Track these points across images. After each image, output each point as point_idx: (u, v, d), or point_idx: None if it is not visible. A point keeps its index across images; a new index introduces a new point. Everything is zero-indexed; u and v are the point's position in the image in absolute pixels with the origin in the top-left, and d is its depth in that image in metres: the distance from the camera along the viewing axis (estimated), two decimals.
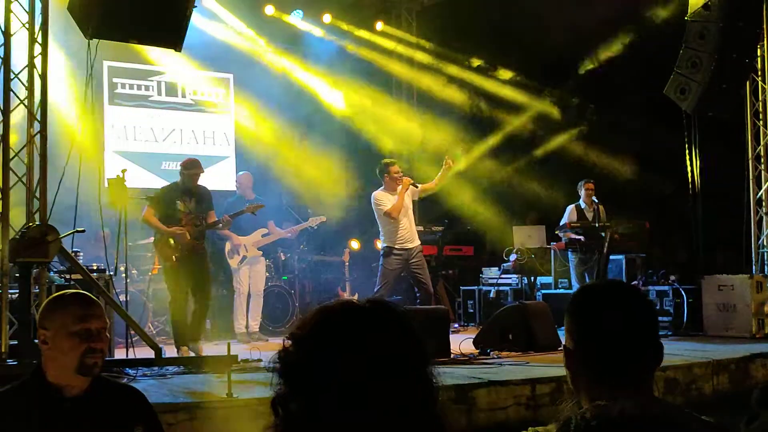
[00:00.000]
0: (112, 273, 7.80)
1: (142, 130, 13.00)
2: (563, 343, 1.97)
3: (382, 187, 9.60)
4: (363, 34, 14.56)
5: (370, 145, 13.93)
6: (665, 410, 1.06)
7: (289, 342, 1.37)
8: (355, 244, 13.12)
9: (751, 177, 10.96)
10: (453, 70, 14.63)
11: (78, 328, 2.67)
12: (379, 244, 9.90)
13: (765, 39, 10.69)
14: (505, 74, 14.42)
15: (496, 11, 12.77)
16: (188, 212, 8.58)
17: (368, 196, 9.85)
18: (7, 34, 6.77)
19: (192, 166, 8.76)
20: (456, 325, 11.95)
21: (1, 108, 6.67)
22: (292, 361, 1.35)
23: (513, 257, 12.25)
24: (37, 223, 6.51)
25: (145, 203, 8.62)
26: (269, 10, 13.60)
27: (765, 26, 10.63)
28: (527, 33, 12.37)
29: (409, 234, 9.58)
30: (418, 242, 9.70)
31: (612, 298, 1.92)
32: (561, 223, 11.33)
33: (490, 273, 13.03)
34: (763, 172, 10.91)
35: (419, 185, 9.77)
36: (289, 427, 1.33)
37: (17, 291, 6.45)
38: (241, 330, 10.32)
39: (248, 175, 10.91)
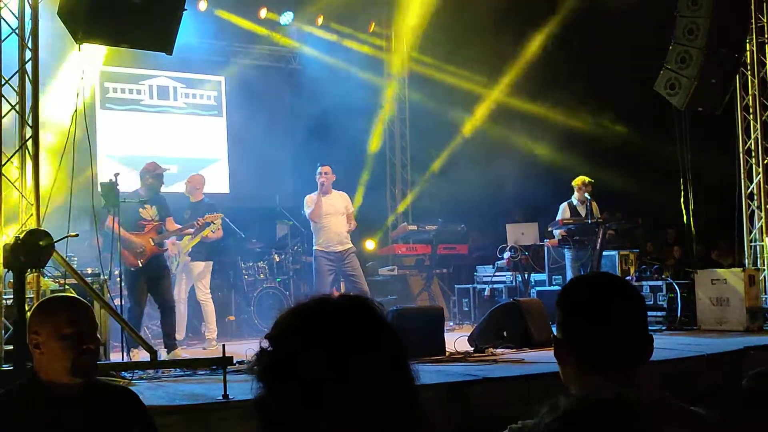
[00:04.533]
0: (106, 277, 7.80)
1: (134, 134, 12.99)
2: (554, 334, 1.99)
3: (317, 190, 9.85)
4: (356, 34, 14.57)
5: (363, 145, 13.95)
6: (646, 399, 1.06)
7: (266, 343, 1.37)
8: None
9: (742, 171, 11.02)
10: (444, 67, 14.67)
11: (69, 331, 2.69)
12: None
13: (753, 33, 10.75)
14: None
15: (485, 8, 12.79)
16: (150, 219, 8.66)
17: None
18: None
19: (158, 168, 8.83)
20: (451, 324, 11.98)
21: None
22: (269, 362, 1.35)
23: (507, 255, 12.28)
24: (30, 228, 6.51)
25: (138, 206, 8.65)
26: (262, 12, 13.60)
27: (753, 20, 10.69)
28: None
29: (337, 237, 9.77)
30: (350, 245, 9.89)
31: (599, 289, 1.93)
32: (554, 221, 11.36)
33: (485, 271, 13.06)
34: (753, 165, 10.96)
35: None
36: (271, 429, 1.33)
37: (12, 297, 6.45)
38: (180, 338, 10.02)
39: (200, 177, 10.66)
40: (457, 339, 8.53)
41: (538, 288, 11.95)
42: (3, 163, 6.69)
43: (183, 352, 8.68)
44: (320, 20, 14.12)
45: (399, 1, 14.25)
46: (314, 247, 9.93)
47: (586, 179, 11.51)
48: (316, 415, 1.28)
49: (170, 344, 8.48)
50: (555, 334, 1.97)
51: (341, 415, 1.28)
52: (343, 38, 14.40)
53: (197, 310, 10.30)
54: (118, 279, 8.45)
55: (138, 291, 8.50)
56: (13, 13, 6.85)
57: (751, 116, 10.95)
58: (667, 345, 8.07)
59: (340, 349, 1.30)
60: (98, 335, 2.80)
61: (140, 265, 8.47)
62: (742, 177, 11.01)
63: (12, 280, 6.43)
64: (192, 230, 9.33)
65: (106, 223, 8.46)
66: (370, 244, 13.35)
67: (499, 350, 8.36)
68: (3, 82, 6.77)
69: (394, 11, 15.03)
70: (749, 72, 10.92)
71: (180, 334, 9.62)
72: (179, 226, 9.20)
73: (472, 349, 8.39)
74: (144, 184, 8.82)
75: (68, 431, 2.70)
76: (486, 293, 12.59)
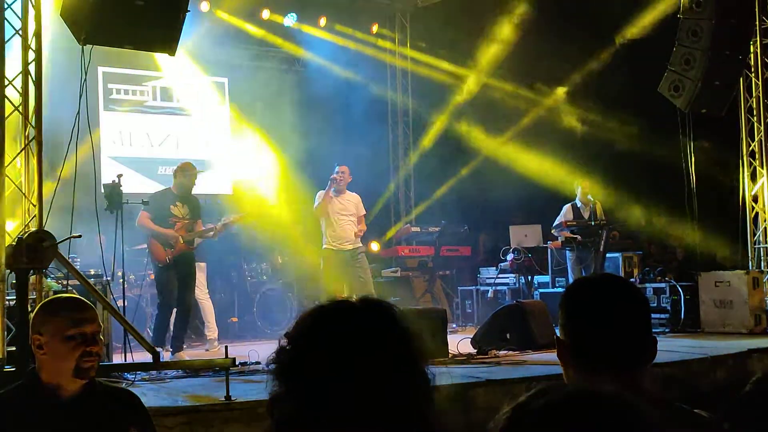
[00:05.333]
0: (109, 278, 7.79)
1: (137, 136, 13.00)
2: (557, 335, 1.97)
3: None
4: (359, 36, 14.56)
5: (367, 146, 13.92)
6: (640, 398, 1.05)
7: (284, 341, 1.38)
8: None
9: (745, 173, 10.99)
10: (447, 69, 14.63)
11: (73, 332, 2.68)
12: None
13: (757, 35, 10.72)
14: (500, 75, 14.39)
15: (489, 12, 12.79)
16: (182, 217, 8.63)
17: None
18: (0, 41, 6.77)
19: (191, 168, 8.79)
20: (454, 325, 11.96)
21: None
22: (287, 361, 1.35)
23: (510, 257, 12.26)
24: (33, 229, 6.51)
25: (140, 208, 8.65)
26: (265, 14, 13.60)
27: (757, 22, 10.66)
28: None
29: (347, 236, 9.81)
30: (360, 244, 9.95)
31: (602, 290, 1.92)
32: (557, 222, 11.34)
33: (488, 273, 13.04)
34: (757, 168, 10.94)
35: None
36: (285, 427, 1.33)
37: (14, 297, 6.45)
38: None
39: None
40: (460, 341, 8.52)
41: (541, 290, 11.93)
42: (6, 164, 6.69)
43: (185, 354, 8.68)
44: (323, 21, 14.10)
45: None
46: (324, 246, 9.94)
47: (588, 180, 11.49)
48: (322, 414, 1.28)
49: (177, 346, 8.46)
50: (558, 335, 1.96)
51: (353, 415, 1.28)
52: (347, 39, 14.38)
53: (198, 310, 10.33)
54: (121, 280, 8.45)
55: (169, 289, 8.43)
56: (16, 14, 6.85)
57: (755, 118, 10.92)
58: (670, 347, 8.06)
59: (355, 351, 1.30)
60: (101, 337, 2.79)
61: (168, 261, 8.43)
62: (746, 179, 10.99)
63: (15, 281, 6.44)
64: (212, 233, 9.27)
65: (138, 219, 8.47)
66: (374, 246, 13.34)
67: (502, 352, 8.35)
68: (6, 83, 6.77)
69: (397, 14, 15.07)
70: (753, 74, 10.90)
71: None
72: (204, 228, 9.12)
73: (475, 351, 8.38)
74: (176, 181, 8.79)
75: (67, 431, 2.70)
76: (489, 295, 12.57)
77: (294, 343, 1.36)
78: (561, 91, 14.11)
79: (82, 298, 2.90)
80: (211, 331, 10.01)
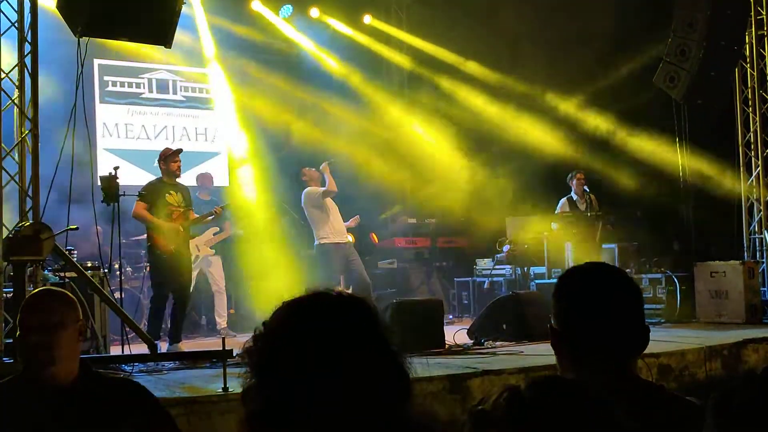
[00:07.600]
0: (106, 270, 7.79)
1: (133, 128, 12.99)
2: (551, 323, 1.98)
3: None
4: (351, 27, 14.49)
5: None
6: (626, 385, 1.07)
7: (258, 334, 1.36)
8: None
9: (741, 163, 11.02)
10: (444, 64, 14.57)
11: (31, 323, 2.75)
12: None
13: (753, 26, 10.74)
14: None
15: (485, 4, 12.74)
16: (177, 205, 8.61)
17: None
18: None
19: (169, 153, 8.78)
20: (450, 317, 11.99)
21: None
22: (259, 353, 1.33)
23: (506, 248, 12.27)
24: (30, 221, 6.52)
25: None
26: (255, 5, 13.57)
27: (753, 13, 10.67)
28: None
29: (342, 228, 10.03)
30: (349, 237, 10.16)
31: (594, 279, 1.93)
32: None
33: (484, 264, 13.05)
34: (752, 158, 10.97)
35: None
36: (258, 420, 1.32)
37: (12, 290, 6.46)
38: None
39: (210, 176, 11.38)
40: (456, 332, 8.54)
41: (537, 281, 11.93)
42: (3, 156, 6.70)
43: (183, 345, 8.68)
44: (316, 12, 14.02)
45: None
46: (321, 241, 9.93)
47: (582, 172, 11.48)
48: (299, 406, 1.27)
49: (176, 336, 8.45)
50: (551, 323, 1.97)
51: (326, 407, 1.27)
52: (340, 30, 14.32)
53: (196, 302, 10.48)
54: (119, 273, 8.44)
55: (166, 280, 8.42)
56: (12, 7, 6.85)
57: (750, 109, 10.95)
58: (666, 337, 8.08)
59: (327, 343, 1.29)
60: (60, 320, 2.77)
61: (173, 251, 8.44)
62: (741, 169, 11.02)
63: (12, 274, 6.45)
64: (211, 217, 9.30)
65: (134, 210, 8.44)
66: (374, 238, 13.32)
67: (498, 343, 8.37)
68: (2, 75, 6.77)
69: (392, 5, 15.02)
70: (748, 65, 10.92)
71: None
72: (197, 216, 9.12)
73: (472, 341, 8.40)
74: (163, 170, 8.75)
75: (62, 423, 2.70)
76: (485, 286, 12.58)
77: (267, 335, 1.34)
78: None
79: (53, 288, 2.93)
80: (225, 319, 10.56)
